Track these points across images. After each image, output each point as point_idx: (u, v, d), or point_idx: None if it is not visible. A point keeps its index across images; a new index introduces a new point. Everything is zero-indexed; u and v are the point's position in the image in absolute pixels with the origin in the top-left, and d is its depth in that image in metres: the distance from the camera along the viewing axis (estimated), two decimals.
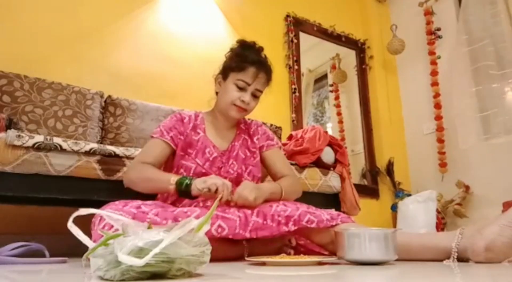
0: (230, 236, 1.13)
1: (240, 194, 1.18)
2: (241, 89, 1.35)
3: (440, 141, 3.07)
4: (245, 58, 1.36)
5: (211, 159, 1.36)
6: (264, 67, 1.37)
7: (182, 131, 1.38)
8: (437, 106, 3.12)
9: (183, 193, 1.20)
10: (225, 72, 1.40)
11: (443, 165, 3.05)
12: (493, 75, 2.72)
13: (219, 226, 1.12)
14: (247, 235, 1.14)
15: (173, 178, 1.21)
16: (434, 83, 3.17)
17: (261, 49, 1.42)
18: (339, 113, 3.41)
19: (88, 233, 0.75)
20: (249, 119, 1.56)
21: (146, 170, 1.27)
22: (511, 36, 2.71)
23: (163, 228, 0.69)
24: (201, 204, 1.32)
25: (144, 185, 1.26)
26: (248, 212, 1.18)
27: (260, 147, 1.48)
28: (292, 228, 1.16)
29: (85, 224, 0.88)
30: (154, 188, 1.28)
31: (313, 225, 1.17)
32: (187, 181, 1.19)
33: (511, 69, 2.66)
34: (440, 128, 3.09)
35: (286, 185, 1.36)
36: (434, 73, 3.17)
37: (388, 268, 0.92)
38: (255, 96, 1.38)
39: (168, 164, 1.40)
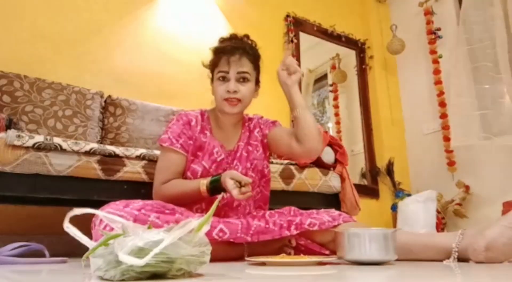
0: (232, 240, 1.13)
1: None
2: (223, 80, 1.33)
3: (447, 139, 3.03)
4: (217, 51, 1.35)
5: (218, 160, 1.35)
6: (237, 49, 1.32)
7: (190, 136, 1.35)
8: (442, 104, 3.09)
9: (215, 189, 1.20)
10: (211, 75, 1.40)
11: (451, 163, 2.99)
12: (492, 77, 2.71)
13: (221, 230, 1.12)
14: (249, 238, 1.15)
15: (202, 183, 1.22)
16: (438, 82, 3.14)
17: (239, 37, 1.40)
18: (337, 114, 3.40)
19: (88, 233, 0.75)
20: (254, 115, 1.53)
21: (172, 188, 1.27)
22: (502, 40, 2.69)
23: (164, 228, 0.69)
24: (203, 206, 1.32)
25: (180, 202, 1.25)
26: (250, 218, 1.20)
27: (264, 135, 1.45)
28: (294, 232, 1.18)
29: (84, 224, 0.88)
30: (189, 199, 1.27)
31: (315, 228, 1.19)
32: (216, 178, 1.21)
33: (505, 75, 2.63)
34: (446, 127, 3.04)
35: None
36: (436, 72, 3.15)
37: (388, 268, 0.92)
38: (244, 80, 1.33)
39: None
